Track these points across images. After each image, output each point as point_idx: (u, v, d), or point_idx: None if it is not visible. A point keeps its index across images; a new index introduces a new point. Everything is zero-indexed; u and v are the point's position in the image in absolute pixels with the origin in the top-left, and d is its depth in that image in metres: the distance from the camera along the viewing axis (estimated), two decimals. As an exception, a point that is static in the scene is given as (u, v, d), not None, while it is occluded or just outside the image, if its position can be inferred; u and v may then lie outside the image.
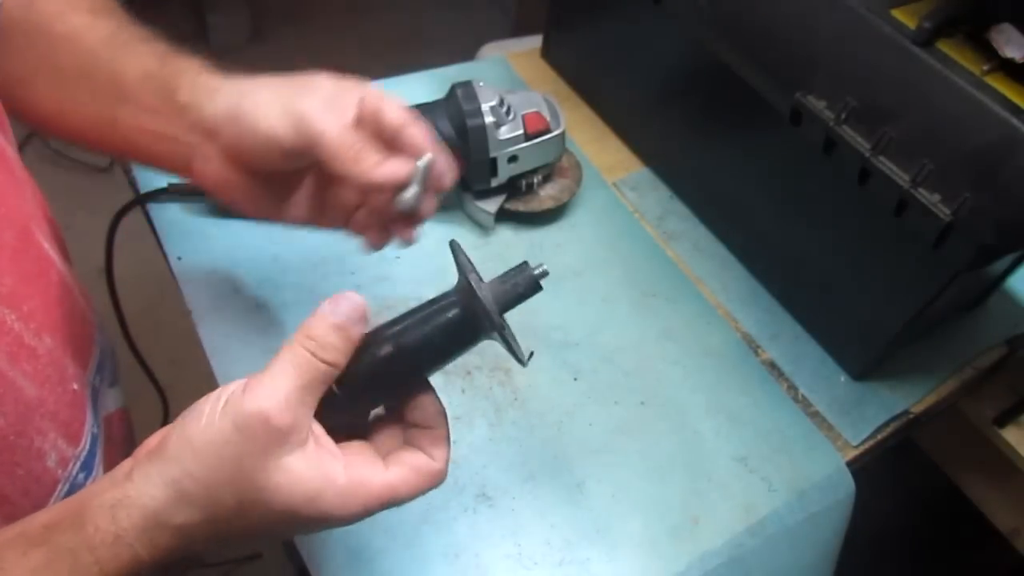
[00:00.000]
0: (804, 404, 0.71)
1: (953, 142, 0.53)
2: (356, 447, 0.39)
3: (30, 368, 0.43)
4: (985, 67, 0.54)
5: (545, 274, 0.40)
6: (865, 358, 0.72)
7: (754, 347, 0.75)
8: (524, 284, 0.40)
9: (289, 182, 0.50)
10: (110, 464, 0.53)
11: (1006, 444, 0.76)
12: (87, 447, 0.49)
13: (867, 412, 0.71)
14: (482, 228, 0.77)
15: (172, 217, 0.73)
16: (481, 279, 0.41)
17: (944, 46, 0.55)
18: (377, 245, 0.53)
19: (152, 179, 0.73)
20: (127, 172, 0.76)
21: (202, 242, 0.71)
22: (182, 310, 0.67)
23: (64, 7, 0.51)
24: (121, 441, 0.59)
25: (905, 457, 0.84)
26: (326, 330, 0.36)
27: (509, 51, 1.02)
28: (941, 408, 0.75)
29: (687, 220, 0.84)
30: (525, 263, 0.40)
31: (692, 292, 0.77)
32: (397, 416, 0.42)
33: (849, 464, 0.68)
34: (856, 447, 0.69)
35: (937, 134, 0.54)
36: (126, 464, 0.36)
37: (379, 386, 0.40)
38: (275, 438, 0.34)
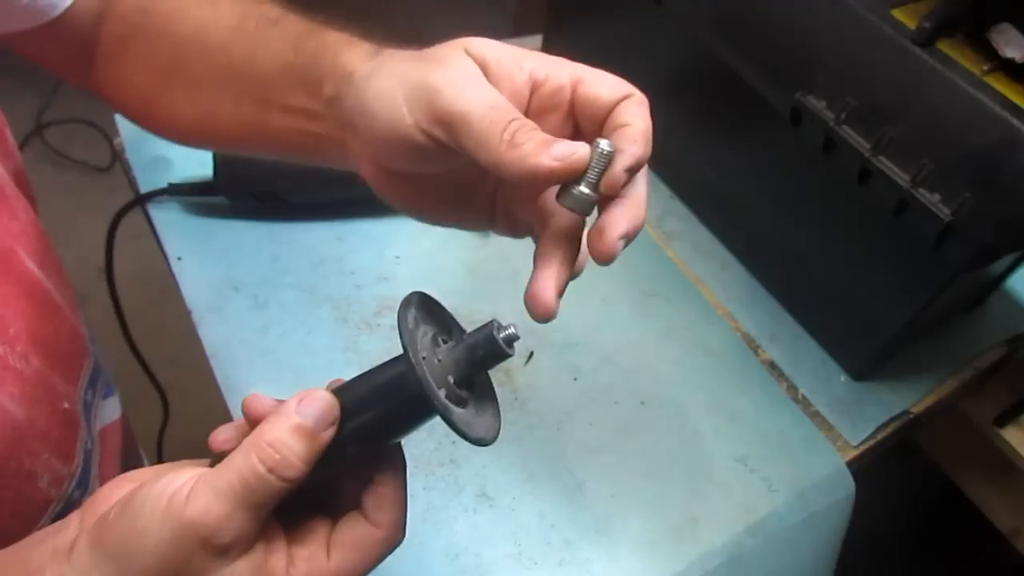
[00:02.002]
0: (804, 404, 0.71)
1: (953, 142, 0.53)
2: (306, 538, 0.35)
3: (17, 391, 0.42)
4: (985, 67, 0.54)
5: (514, 338, 0.33)
6: (865, 358, 0.72)
7: (754, 347, 0.75)
8: (485, 351, 0.33)
9: (459, 180, 0.39)
10: (106, 478, 0.52)
11: (1006, 444, 0.76)
12: (81, 464, 0.49)
13: (867, 412, 0.71)
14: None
15: (172, 217, 0.73)
16: (440, 340, 0.35)
17: (944, 46, 0.55)
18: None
19: (152, 179, 0.73)
20: (127, 172, 0.76)
21: (202, 242, 0.71)
22: (182, 310, 0.67)
23: (184, 3, 0.46)
24: (119, 452, 0.58)
25: (905, 457, 0.84)
26: (290, 434, 0.32)
27: (509, 51, 1.02)
28: (941, 408, 0.75)
29: (687, 220, 0.84)
30: (491, 323, 0.34)
31: (692, 292, 0.77)
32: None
33: (849, 464, 0.68)
34: (856, 447, 0.69)
35: (937, 134, 0.54)
36: (71, 529, 0.33)
37: (340, 471, 0.36)
38: (214, 553, 0.31)
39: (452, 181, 0.39)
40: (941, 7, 0.55)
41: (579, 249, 0.37)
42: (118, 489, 0.34)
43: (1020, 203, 0.51)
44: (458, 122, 0.33)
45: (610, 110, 0.34)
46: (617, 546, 0.59)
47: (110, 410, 0.57)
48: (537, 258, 0.36)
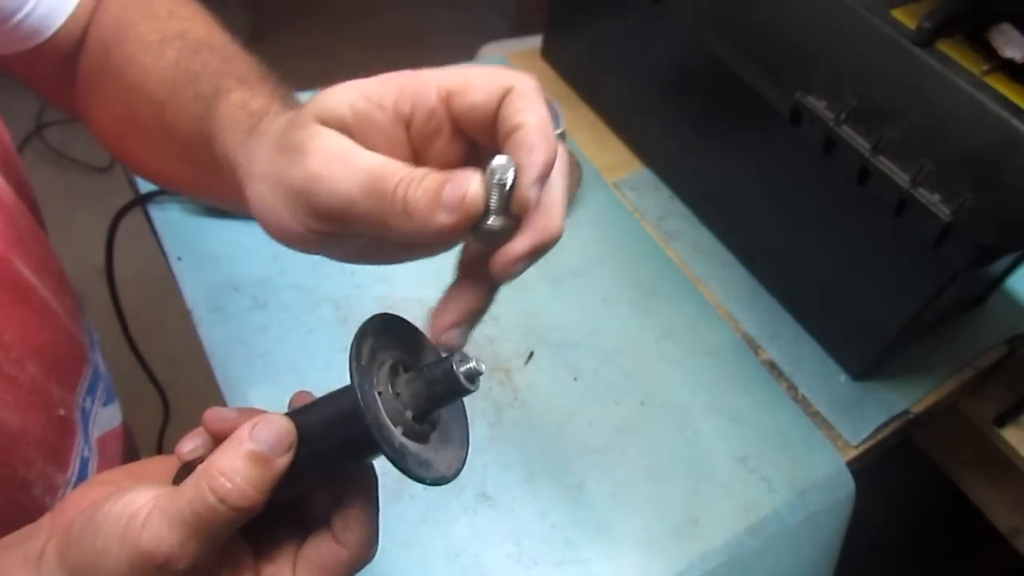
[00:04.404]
0: (804, 404, 0.71)
1: (953, 142, 0.53)
2: (274, 555, 0.34)
3: (11, 397, 0.42)
4: (985, 67, 0.54)
5: (476, 372, 0.31)
6: (865, 358, 0.72)
7: (754, 347, 0.75)
8: (444, 387, 0.31)
9: None
10: None
11: (1006, 444, 0.76)
12: (76, 472, 0.48)
13: (867, 412, 0.71)
14: (482, 228, 0.77)
15: (172, 217, 0.73)
16: (401, 368, 0.33)
17: (944, 46, 0.55)
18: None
19: (152, 179, 0.73)
20: (127, 172, 0.76)
21: (202, 242, 0.71)
22: (182, 310, 0.67)
23: (135, 47, 0.44)
24: (119, 460, 0.58)
25: (905, 457, 0.84)
26: (243, 462, 0.30)
27: (509, 51, 1.02)
28: (941, 408, 0.75)
29: (687, 220, 0.84)
30: (451, 356, 0.31)
31: (692, 292, 0.77)
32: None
33: (849, 464, 0.68)
34: (856, 447, 0.69)
35: (937, 134, 0.54)
36: (41, 534, 0.33)
37: (304, 493, 0.35)
38: None
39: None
40: (941, 7, 0.55)
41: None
42: (87, 493, 0.34)
43: (1020, 203, 0.51)
44: (346, 215, 0.30)
45: (495, 113, 0.30)
46: (617, 546, 0.59)
47: (110, 417, 0.57)
48: (450, 286, 0.33)
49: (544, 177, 0.29)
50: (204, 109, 0.39)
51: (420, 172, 0.29)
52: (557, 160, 0.30)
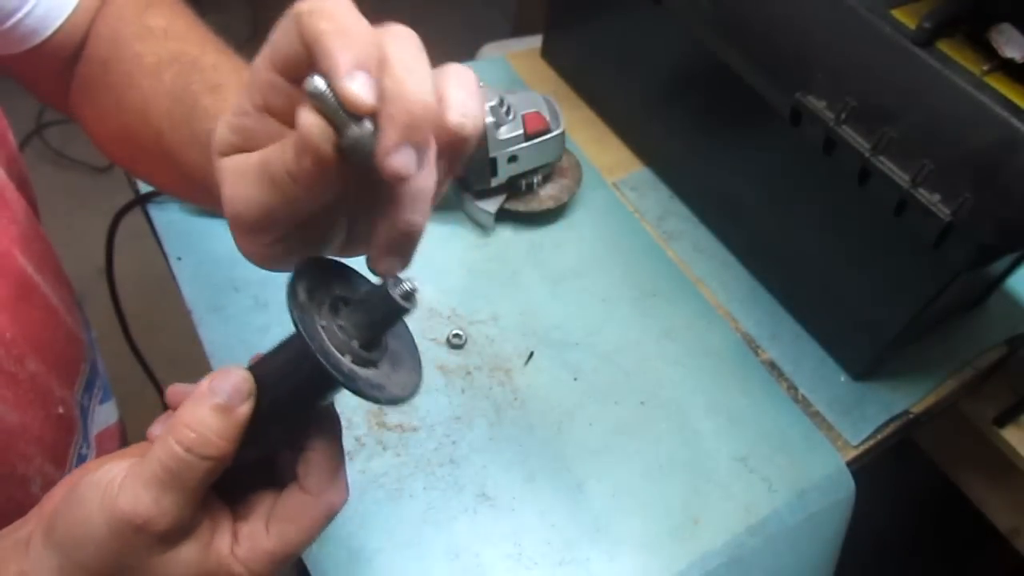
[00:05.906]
0: (804, 404, 0.71)
1: (953, 142, 0.53)
2: (250, 514, 0.35)
3: (10, 394, 0.42)
4: (985, 67, 0.54)
5: (411, 291, 0.31)
6: (865, 358, 0.72)
7: (754, 347, 0.75)
8: (383, 310, 0.32)
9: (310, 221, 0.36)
10: None
11: (1006, 444, 0.76)
12: (73, 469, 0.48)
13: (867, 412, 0.71)
14: (482, 228, 0.77)
15: (172, 217, 0.73)
16: (341, 303, 0.34)
17: (944, 46, 0.55)
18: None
19: (152, 179, 0.73)
20: (127, 172, 0.76)
21: (202, 242, 0.71)
22: (182, 310, 0.67)
23: (132, 67, 0.45)
24: None
25: (905, 457, 0.84)
26: (206, 412, 0.31)
27: (509, 51, 1.02)
28: (941, 408, 0.75)
29: (687, 220, 0.84)
30: (384, 283, 0.32)
31: (692, 292, 0.77)
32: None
33: (849, 464, 0.68)
34: (856, 447, 0.69)
35: (937, 134, 0.54)
36: (31, 521, 0.34)
37: (274, 445, 0.36)
38: (154, 539, 0.31)
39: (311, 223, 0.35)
40: (941, 7, 0.55)
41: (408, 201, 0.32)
42: (70, 482, 0.35)
43: (1020, 203, 0.51)
44: (267, 216, 0.32)
45: (304, 45, 0.28)
46: (617, 546, 0.59)
47: (107, 415, 0.57)
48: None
49: (354, 67, 0.27)
50: (193, 108, 0.41)
51: (285, 140, 0.30)
52: (400, 42, 0.29)
